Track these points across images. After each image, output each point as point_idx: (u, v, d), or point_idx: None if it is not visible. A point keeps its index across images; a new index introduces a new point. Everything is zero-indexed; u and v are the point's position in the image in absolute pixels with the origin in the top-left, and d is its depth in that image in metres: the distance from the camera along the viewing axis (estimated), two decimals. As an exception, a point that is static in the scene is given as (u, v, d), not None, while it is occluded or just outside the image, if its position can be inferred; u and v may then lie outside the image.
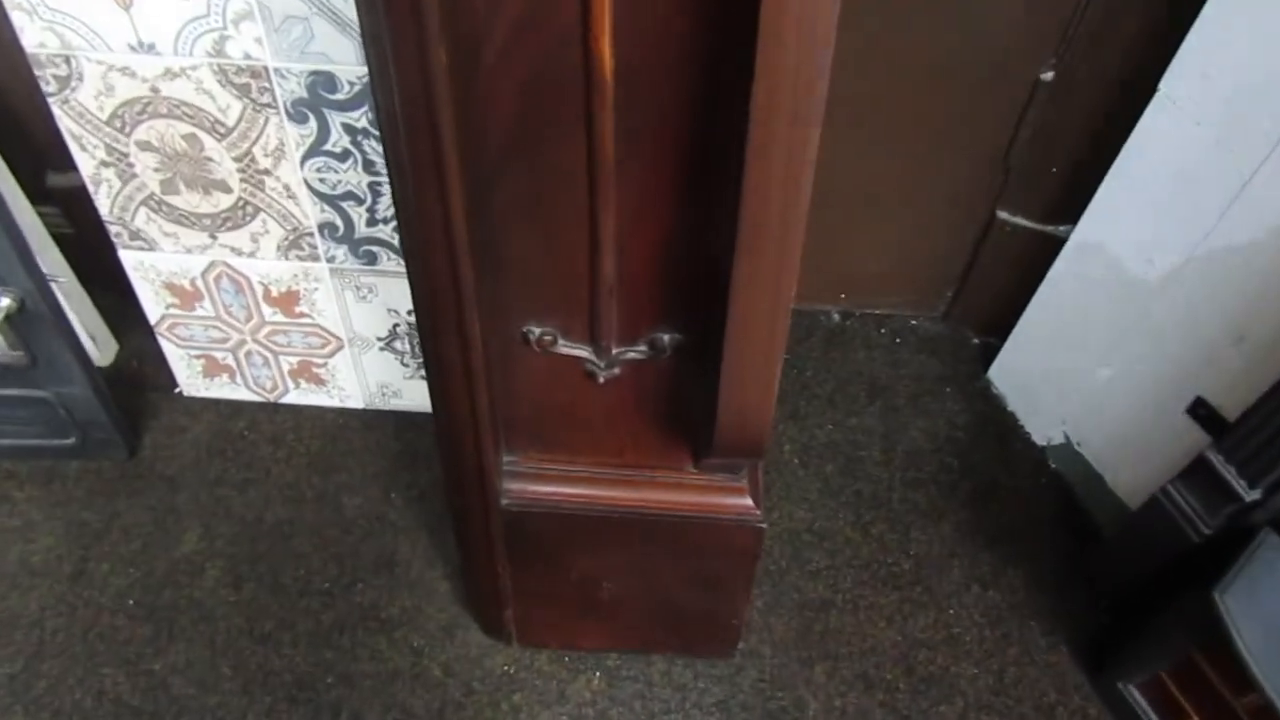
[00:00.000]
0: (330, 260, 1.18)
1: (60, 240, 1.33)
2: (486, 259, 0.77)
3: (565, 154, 0.70)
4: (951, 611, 1.23)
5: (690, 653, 1.17)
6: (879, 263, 1.44)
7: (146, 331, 1.34)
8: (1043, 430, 1.36)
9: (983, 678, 1.18)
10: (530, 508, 0.97)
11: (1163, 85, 1.01)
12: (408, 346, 1.29)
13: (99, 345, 1.40)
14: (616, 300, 0.80)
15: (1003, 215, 1.31)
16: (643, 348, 0.84)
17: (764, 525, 0.96)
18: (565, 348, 0.84)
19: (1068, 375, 1.28)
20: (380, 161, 1.08)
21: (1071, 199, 1.22)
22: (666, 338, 0.83)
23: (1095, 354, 1.22)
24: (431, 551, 1.27)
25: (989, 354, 1.46)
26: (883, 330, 1.51)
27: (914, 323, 1.52)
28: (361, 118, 1.03)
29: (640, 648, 1.18)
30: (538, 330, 0.83)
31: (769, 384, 0.76)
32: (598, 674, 1.18)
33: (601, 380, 0.86)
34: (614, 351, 0.84)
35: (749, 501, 0.96)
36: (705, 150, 0.69)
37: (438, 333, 0.82)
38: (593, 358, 0.85)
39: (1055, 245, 1.25)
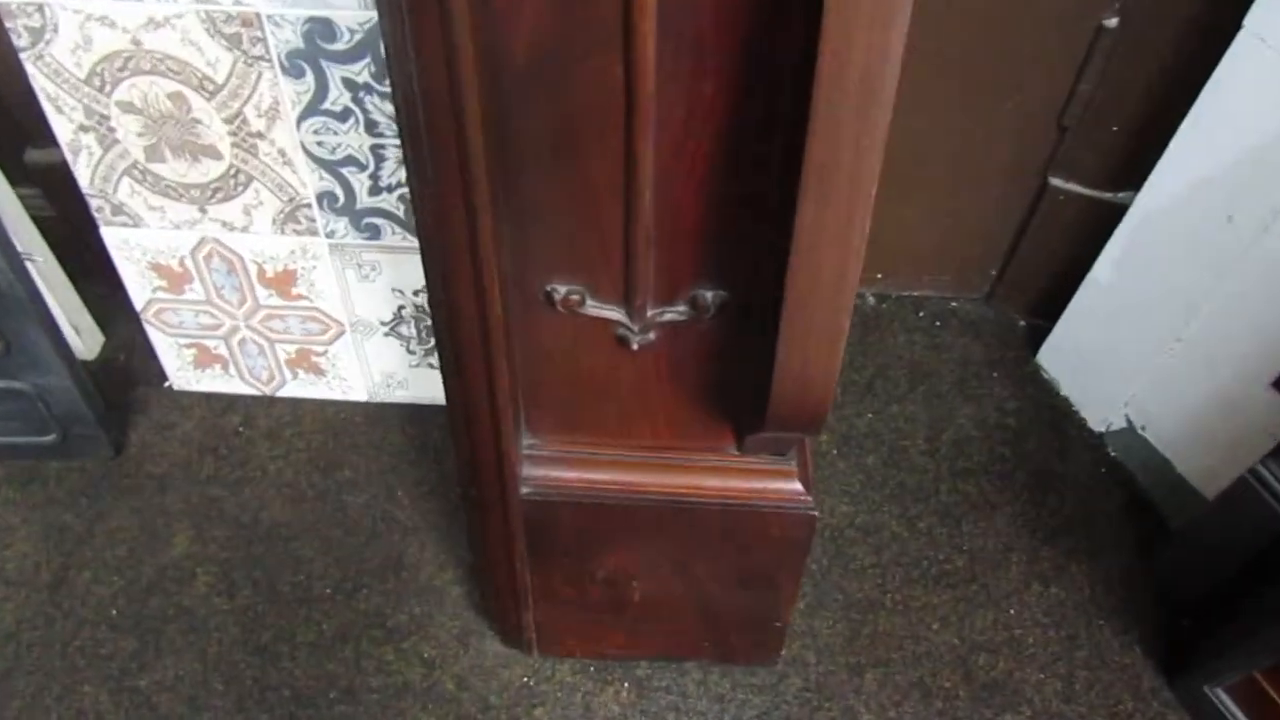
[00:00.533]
0: (330, 235, 1.09)
1: (42, 225, 1.24)
2: (506, 203, 0.68)
3: (598, 71, 0.60)
4: (1012, 611, 1.12)
5: (729, 660, 1.07)
6: (917, 239, 1.34)
7: (134, 322, 1.25)
8: (1101, 415, 1.26)
9: (1050, 683, 1.07)
10: (553, 497, 0.87)
11: (1248, 21, 0.92)
12: (414, 331, 1.19)
13: (83, 337, 1.31)
14: (654, 250, 0.70)
15: (1055, 182, 1.21)
16: (682, 308, 0.74)
17: (815, 512, 0.86)
18: (594, 309, 0.75)
19: (1130, 354, 1.18)
20: (384, 123, 0.98)
21: (1134, 161, 1.12)
22: (710, 295, 0.73)
23: (1163, 328, 1.12)
24: (443, 553, 1.17)
25: (1037, 337, 1.36)
26: (921, 313, 1.41)
27: (954, 305, 1.42)
28: (364, 71, 0.94)
29: (674, 655, 1.08)
30: (563, 289, 0.74)
31: (836, 340, 0.66)
32: (626, 685, 1.07)
33: (635, 346, 0.76)
34: (649, 313, 0.75)
35: (798, 486, 0.86)
36: (763, 64, 0.59)
37: (451, 293, 0.72)
38: (625, 320, 0.75)
39: (1114, 214, 1.16)
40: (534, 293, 0.74)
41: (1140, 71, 1.07)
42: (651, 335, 0.76)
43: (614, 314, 0.75)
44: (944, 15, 1.07)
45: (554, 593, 0.99)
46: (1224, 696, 1.00)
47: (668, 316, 0.75)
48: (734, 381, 0.79)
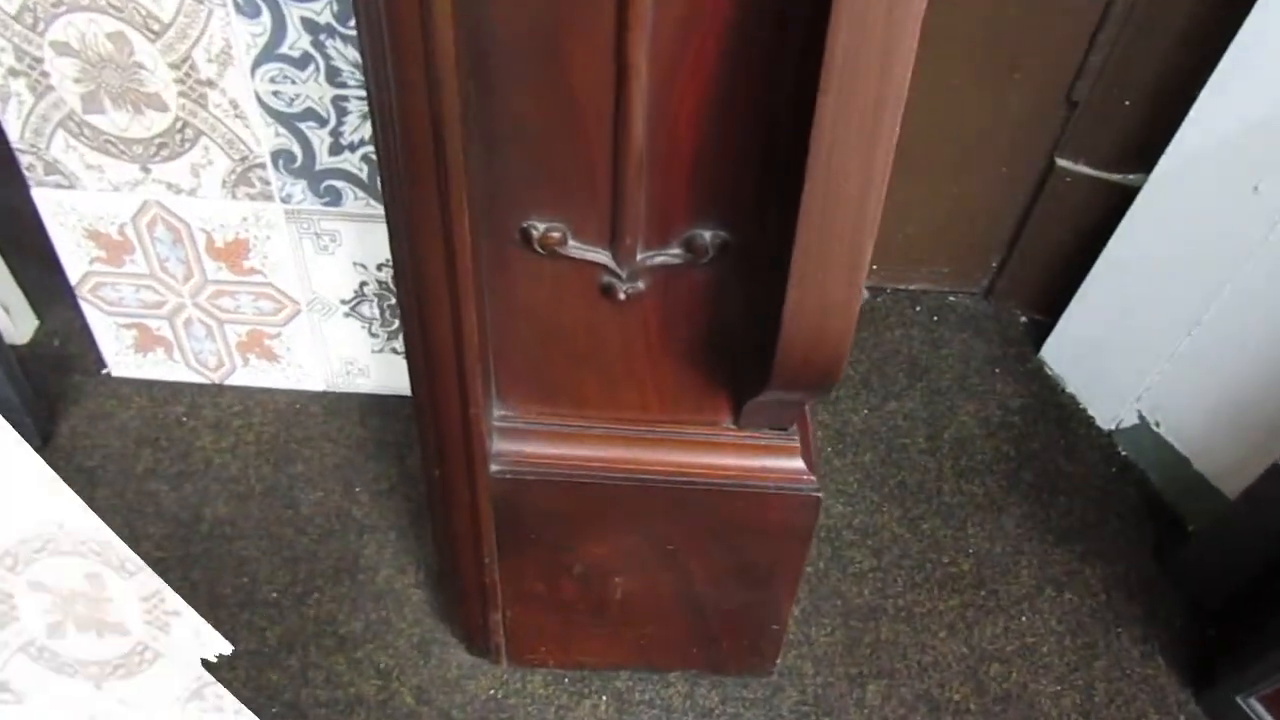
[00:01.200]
0: (286, 200, 1.00)
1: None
2: (479, 119, 0.60)
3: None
4: (1023, 618, 1.04)
5: (719, 670, 0.97)
6: (914, 228, 1.27)
7: (71, 305, 1.15)
8: (1111, 412, 1.19)
9: (1068, 695, 0.98)
10: (526, 475, 0.78)
11: (1277, -28, 0.86)
12: (377, 312, 1.10)
13: (13, 319, 1.20)
14: (647, 179, 0.62)
15: (1063, 163, 1.15)
16: (676, 250, 0.66)
17: (819, 494, 0.78)
18: (577, 250, 0.66)
19: (1143, 344, 1.11)
20: (348, 71, 0.90)
21: (1148, 139, 1.06)
22: (708, 235, 0.65)
23: (1180, 316, 1.05)
24: (403, 555, 1.06)
25: (1039, 333, 1.29)
26: (918, 308, 1.34)
27: (952, 299, 1.35)
28: (325, 10, 0.86)
29: (658, 665, 0.97)
30: (542, 225, 0.65)
31: (857, 272, 0.58)
32: (605, 698, 0.97)
33: (622, 297, 0.68)
34: (639, 256, 0.66)
35: (801, 464, 0.77)
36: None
37: (415, 231, 0.64)
38: (611, 264, 0.67)
39: (1124, 198, 1.09)
40: (509, 230, 0.66)
41: (1157, 38, 1.01)
42: (641, 284, 0.68)
43: (599, 257, 0.66)
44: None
45: (525, 591, 0.89)
46: (1258, 706, 0.91)
47: (659, 260, 0.66)
48: (733, 339, 0.71)
